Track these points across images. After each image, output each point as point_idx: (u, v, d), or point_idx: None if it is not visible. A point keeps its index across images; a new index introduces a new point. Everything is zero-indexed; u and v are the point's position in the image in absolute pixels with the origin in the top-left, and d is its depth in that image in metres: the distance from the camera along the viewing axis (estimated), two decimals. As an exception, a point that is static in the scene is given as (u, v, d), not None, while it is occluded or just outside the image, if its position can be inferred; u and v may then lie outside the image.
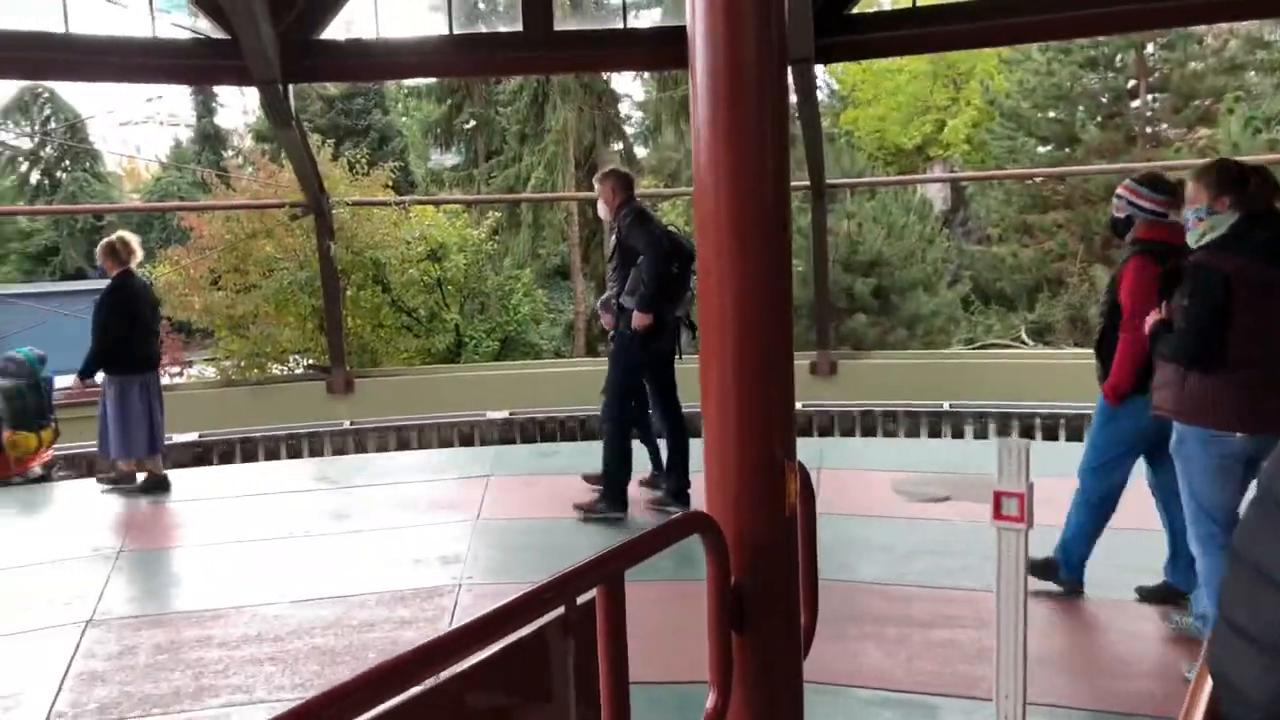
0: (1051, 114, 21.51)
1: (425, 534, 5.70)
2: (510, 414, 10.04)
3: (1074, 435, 8.75)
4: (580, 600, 1.87)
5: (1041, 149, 21.99)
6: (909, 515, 5.27)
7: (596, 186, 5.86)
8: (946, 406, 9.24)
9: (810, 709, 2.35)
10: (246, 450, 9.44)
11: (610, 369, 5.86)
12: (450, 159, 25.86)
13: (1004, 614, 2.24)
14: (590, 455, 6.32)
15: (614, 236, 5.90)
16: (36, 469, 7.55)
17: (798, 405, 9.39)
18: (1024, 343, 18.39)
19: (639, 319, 5.56)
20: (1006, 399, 9.26)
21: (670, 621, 3.63)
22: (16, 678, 4.14)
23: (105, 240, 6.89)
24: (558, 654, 1.87)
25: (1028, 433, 8.75)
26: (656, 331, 5.66)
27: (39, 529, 6.34)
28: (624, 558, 1.94)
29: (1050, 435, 8.76)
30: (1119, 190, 4.17)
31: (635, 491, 6.00)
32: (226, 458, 9.19)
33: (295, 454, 9.65)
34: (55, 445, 7.79)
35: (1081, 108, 21.38)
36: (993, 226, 22.84)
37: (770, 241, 2.33)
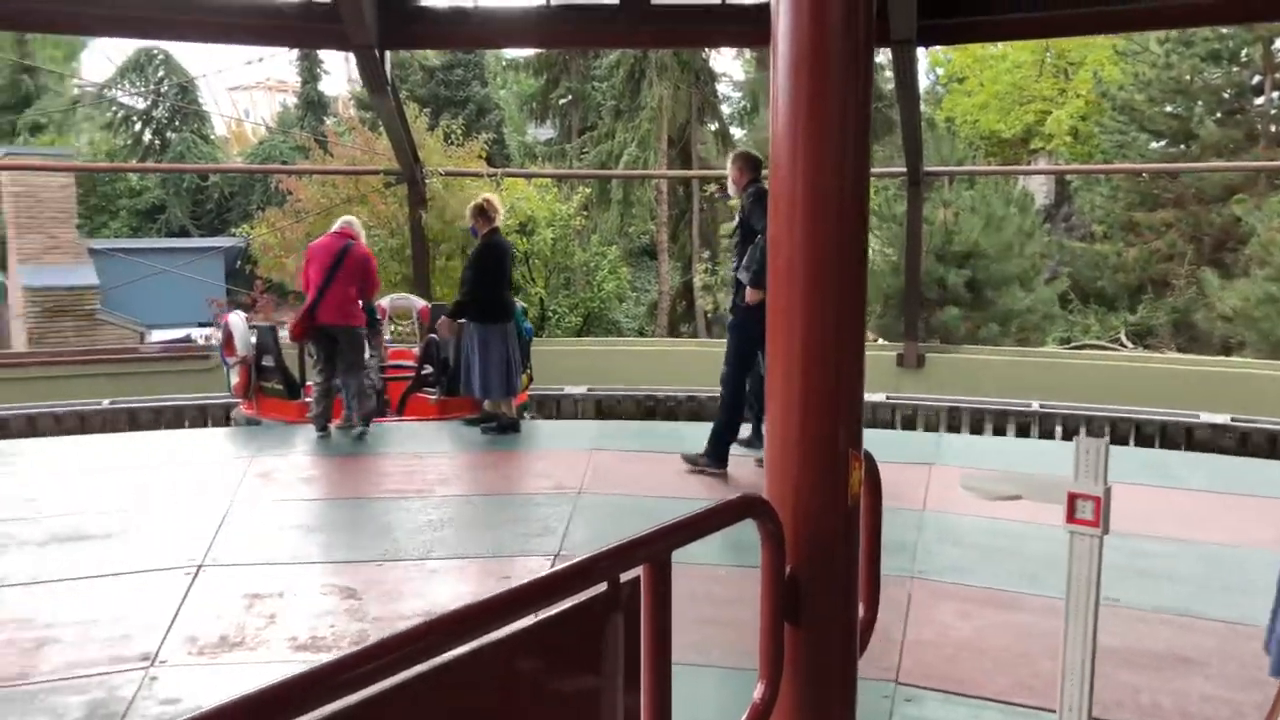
0: (1168, 108, 20.58)
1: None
2: (589, 390, 10.08)
3: (1166, 443, 8.41)
4: (626, 577, 1.82)
5: (1154, 144, 21.07)
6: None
7: (728, 167, 6.26)
8: (1036, 406, 8.95)
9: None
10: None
11: (729, 339, 6.19)
12: (545, 133, 25.88)
13: (1073, 622, 2.12)
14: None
15: (738, 214, 6.27)
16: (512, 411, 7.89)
17: (880, 397, 9.30)
18: (1123, 345, 17.73)
19: (751, 294, 5.86)
20: (1100, 402, 8.94)
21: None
22: None
23: (474, 202, 7.30)
24: (601, 629, 1.83)
25: (1123, 439, 8.42)
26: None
27: (510, 465, 6.67)
28: (672, 537, 1.89)
29: (1149, 442, 8.43)
30: None
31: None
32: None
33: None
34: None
35: (1201, 103, 20.41)
36: (1097, 223, 21.99)
37: (845, 223, 2.24)
